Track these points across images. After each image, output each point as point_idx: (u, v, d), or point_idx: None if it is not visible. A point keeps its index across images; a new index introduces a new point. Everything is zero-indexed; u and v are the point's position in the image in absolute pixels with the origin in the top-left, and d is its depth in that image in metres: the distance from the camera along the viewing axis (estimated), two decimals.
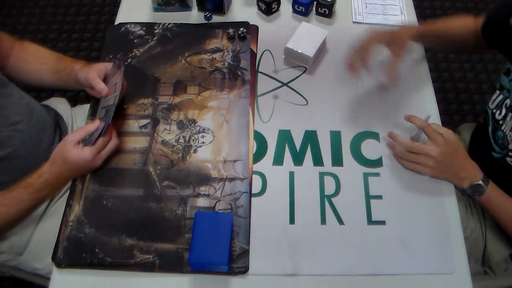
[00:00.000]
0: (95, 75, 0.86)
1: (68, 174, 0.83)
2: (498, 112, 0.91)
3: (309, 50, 0.98)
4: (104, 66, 0.89)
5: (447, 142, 0.82)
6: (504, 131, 0.89)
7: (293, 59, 1.02)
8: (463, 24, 0.97)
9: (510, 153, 0.87)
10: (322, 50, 1.04)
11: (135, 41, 1.04)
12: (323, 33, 1.01)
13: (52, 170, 0.80)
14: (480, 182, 0.82)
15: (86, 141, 0.82)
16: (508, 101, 0.89)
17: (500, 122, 0.91)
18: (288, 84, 0.99)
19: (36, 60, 0.96)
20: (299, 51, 0.98)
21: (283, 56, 1.03)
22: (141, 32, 1.06)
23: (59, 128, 1.03)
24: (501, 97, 0.91)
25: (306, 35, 1.01)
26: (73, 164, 0.80)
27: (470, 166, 0.85)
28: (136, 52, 1.03)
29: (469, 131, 1.10)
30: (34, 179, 0.79)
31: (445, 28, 0.99)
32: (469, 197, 0.92)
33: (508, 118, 0.88)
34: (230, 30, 1.04)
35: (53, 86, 0.99)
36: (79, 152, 0.80)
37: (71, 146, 0.79)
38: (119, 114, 0.93)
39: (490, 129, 0.94)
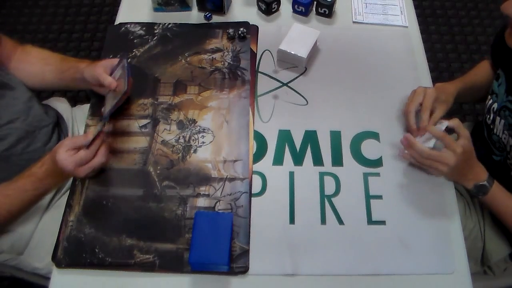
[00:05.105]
0: (102, 71, 0.86)
1: (59, 171, 0.81)
2: (488, 116, 0.92)
3: (302, 51, 0.98)
4: (110, 62, 0.89)
5: (464, 151, 0.80)
6: (498, 134, 0.89)
7: (287, 60, 1.02)
8: (483, 67, 1.00)
9: (509, 156, 0.87)
10: (319, 50, 1.04)
11: (135, 41, 1.04)
12: (315, 33, 1.01)
13: (51, 161, 0.80)
14: (485, 182, 0.82)
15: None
16: (495, 105, 0.89)
17: (491, 126, 0.91)
18: (288, 84, 0.99)
19: (40, 61, 0.96)
20: (292, 52, 0.98)
21: (277, 58, 1.02)
22: (141, 32, 1.06)
23: (59, 127, 1.03)
24: (490, 101, 0.92)
25: (299, 36, 1.00)
26: (59, 166, 0.79)
27: (477, 168, 0.84)
28: (136, 52, 1.03)
29: (469, 131, 1.10)
30: (37, 168, 0.80)
31: (472, 77, 0.99)
32: (473, 197, 0.92)
33: (497, 122, 0.89)
34: (230, 30, 1.04)
35: (56, 87, 0.99)
36: (65, 158, 0.78)
37: (62, 150, 0.78)
38: (120, 113, 0.93)
39: (485, 133, 0.95)
